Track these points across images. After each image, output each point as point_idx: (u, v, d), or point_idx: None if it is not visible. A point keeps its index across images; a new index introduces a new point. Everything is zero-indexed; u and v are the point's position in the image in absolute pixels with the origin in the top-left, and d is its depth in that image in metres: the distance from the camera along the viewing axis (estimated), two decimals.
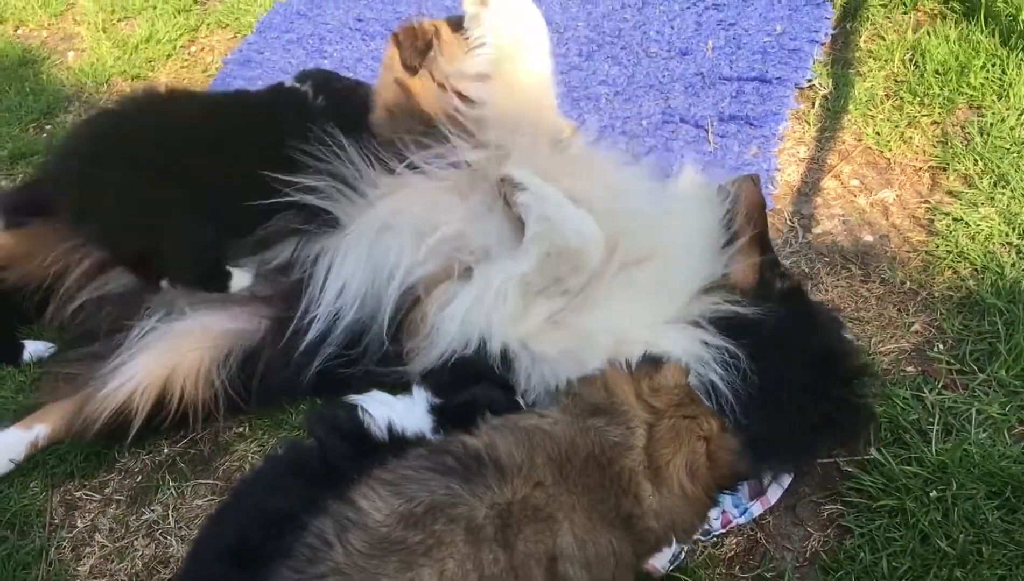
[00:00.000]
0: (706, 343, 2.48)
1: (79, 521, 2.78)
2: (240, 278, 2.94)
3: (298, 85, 3.31)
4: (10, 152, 4.29)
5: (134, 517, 2.76)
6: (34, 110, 4.61)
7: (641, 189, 2.78)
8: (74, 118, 4.54)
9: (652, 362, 2.05)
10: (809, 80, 3.79)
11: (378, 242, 2.75)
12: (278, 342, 2.77)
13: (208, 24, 5.11)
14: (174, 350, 2.79)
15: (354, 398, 2.32)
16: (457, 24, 2.99)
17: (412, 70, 3.07)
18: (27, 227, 3.13)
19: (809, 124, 3.63)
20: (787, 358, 2.49)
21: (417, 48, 3.03)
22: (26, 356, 3.22)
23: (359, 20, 4.74)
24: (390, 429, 2.19)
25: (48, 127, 4.54)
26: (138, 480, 2.86)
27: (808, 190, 3.38)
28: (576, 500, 1.76)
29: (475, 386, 2.34)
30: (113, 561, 2.64)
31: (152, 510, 2.76)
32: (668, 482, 1.84)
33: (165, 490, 2.79)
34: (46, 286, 3.08)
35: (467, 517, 1.67)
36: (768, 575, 2.33)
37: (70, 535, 2.73)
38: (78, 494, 2.84)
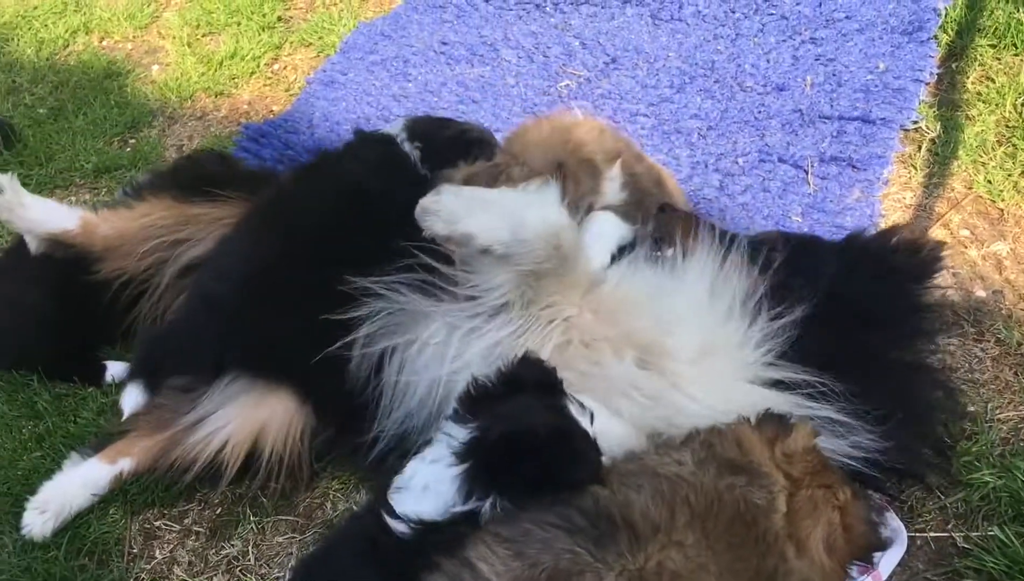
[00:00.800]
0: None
1: (158, 552, 2.73)
2: None
3: (395, 135, 3.11)
4: (95, 166, 4.31)
5: (213, 551, 2.71)
6: (119, 123, 4.63)
7: (676, 303, 2.47)
8: (158, 133, 4.56)
9: (777, 420, 1.95)
10: (915, 122, 3.64)
11: (443, 387, 2.52)
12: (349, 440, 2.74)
13: (291, 42, 5.10)
14: (264, 404, 2.73)
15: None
16: None
17: None
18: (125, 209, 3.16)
19: (915, 169, 3.48)
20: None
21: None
22: (107, 377, 3.20)
23: (443, 44, 4.68)
24: (406, 519, 2.00)
25: (132, 141, 4.56)
26: (218, 512, 2.81)
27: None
28: (714, 559, 1.67)
29: (513, 399, 2.07)
30: None
31: (232, 545, 2.71)
32: (808, 554, 1.75)
33: (246, 525, 2.74)
34: (139, 280, 3.10)
35: None
36: None
37: (149, 566, 2.69)
38: (157, 523, 2.81)
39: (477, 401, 2.11)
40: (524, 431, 1.98)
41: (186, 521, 2.80)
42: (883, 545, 2.04)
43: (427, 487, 2.03)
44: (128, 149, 4.48)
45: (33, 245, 3.12)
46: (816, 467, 1.91)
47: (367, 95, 4.43)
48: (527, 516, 1.74)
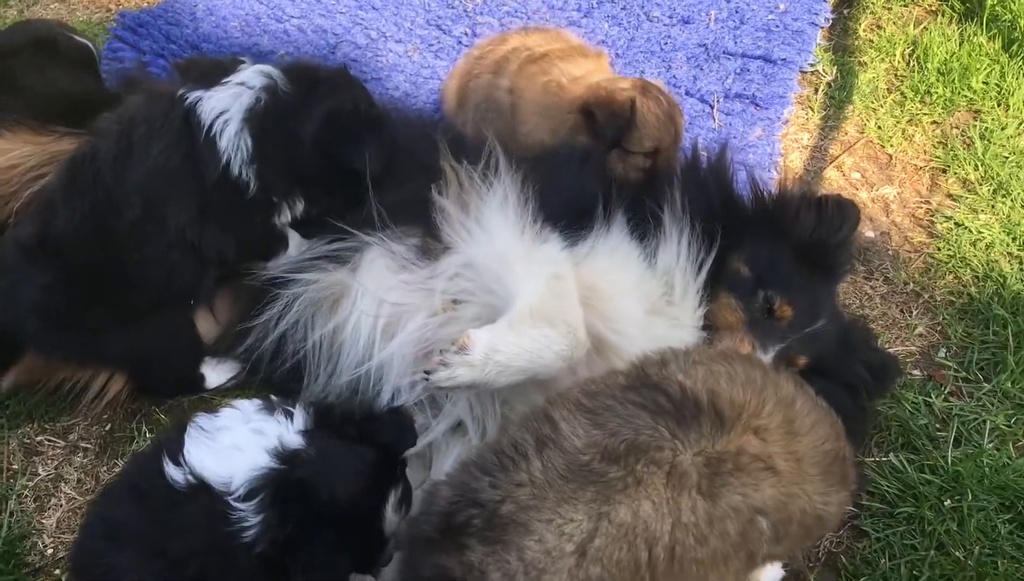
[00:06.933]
0: None
1: (41, 469, 2.55)
2: (215, 376, 2.71)
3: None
4: None
5: (105, 468, 2.56)
6: None
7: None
8: (16, 15, 4.11)
9: None
10: (812, 64, 3.75)
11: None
12: None
13: None
14: None
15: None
16: None
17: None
18: None
19: (813, 111, 3.60)
20: None
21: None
22: None
23: None
24: (189, 470, 1.83)
25: None
26: (107, 428, 2.64)
27: (810, 179, 3.35)
28: (796, 446, 1.75)
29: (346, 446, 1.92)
30: (83, 515, 2.43)
31: (125, 462, 2.56)
32: None
33: (141, 441, 2.59)
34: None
35: (671, 462, 1.64)
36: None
37: (32, 484, 2.51)
38: (39, 438, 2.62)
39: (320, 422, 1.97)
40: (326, 494, 1.82)
41: (71, 437, 2.62)
42: None
43: (238, 448, 1.86)
44: None
45: None
46: None
47: None
48: (607, 392, 1.77)
